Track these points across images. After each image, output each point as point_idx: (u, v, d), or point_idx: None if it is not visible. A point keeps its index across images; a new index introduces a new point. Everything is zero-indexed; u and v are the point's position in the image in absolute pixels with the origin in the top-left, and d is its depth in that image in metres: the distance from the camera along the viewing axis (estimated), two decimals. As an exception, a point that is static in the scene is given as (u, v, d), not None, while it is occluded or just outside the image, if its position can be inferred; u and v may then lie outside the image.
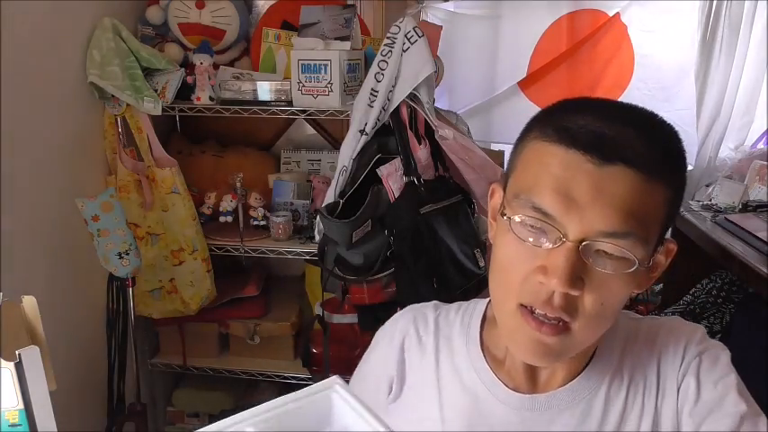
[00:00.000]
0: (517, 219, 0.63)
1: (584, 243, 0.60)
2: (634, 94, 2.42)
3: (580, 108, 0.65)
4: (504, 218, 0.65)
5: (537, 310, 0.64)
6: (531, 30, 2.48)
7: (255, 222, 2.10)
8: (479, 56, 2.52)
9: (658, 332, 0.75)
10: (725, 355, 0.72)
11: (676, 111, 2.43)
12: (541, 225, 0.62)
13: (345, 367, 1.11)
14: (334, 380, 0.46)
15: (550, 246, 0.61)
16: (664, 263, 0.70)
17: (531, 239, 0.63)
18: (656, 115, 0.69)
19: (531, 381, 0.74)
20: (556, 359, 0.68)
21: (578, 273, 0.60)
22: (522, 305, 0.64)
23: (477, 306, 0.83)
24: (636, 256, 0.61)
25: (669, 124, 0.68)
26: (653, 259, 0.65)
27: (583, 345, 0.68)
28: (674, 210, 0.66)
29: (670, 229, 0.69)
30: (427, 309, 0.85)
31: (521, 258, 0.64)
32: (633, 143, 0.61)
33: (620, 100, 0.72)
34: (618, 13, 2.41)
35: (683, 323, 0.76)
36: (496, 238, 0.68)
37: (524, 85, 2.51)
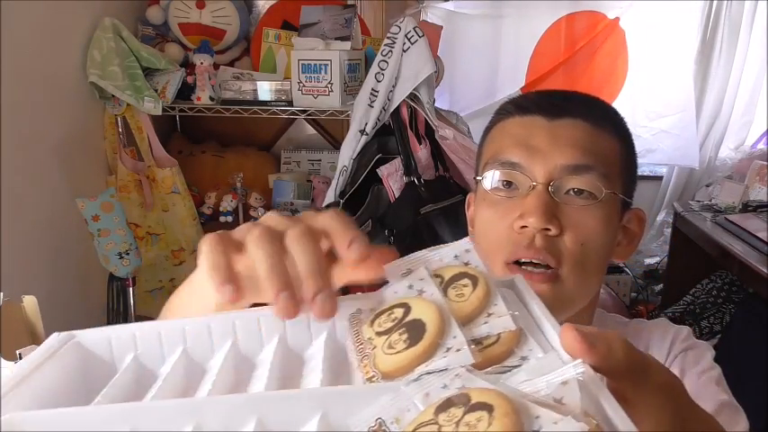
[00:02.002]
0: (489, 176, 0.69)
1: (552, 183, 0.65)
2: (631, 98, 2.41)
3: (530, 93, 0.76)
4: (477, 180, 0.71)
5: (523, 260, 0.66)
6: (532, 30, 2.48)
7: (255, 222, 2.10)
8: (480, 56, 2.52)
9: (644, 332, 0.77)
10: (710, 353, 0.74)
11: (674, 114, 2.43)
12: (512, 176, 0.68)
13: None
14: None
15: (524, 194, 0.66)
16: (638, 232, 0.74)
17: (504, 194, 0.68)
18: (595, 96, 0.77)
19: None
20: (552, 313, 0.67)
21: (552, 211, 0.65)
22: (507, 263, 0.66)
23: None
24: (602, 188, 0.66)
25: (605, 101, 0.77)
26: (623, 220, 0.70)
27: (574, 297, 0.68)
28: (629, 166, 0.71)
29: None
30: None
31: (499, 214, 0.67)
32: (577, 102, 0.71)
33: (612, 105, 0.78)
34: (617, 18, 2.41)
35: (669, 324, 0.78)
36: (476, 212, 0.73)
37: (525, 90, 2.52)
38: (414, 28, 1.69)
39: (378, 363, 0.30)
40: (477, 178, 0.72)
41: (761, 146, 2.50)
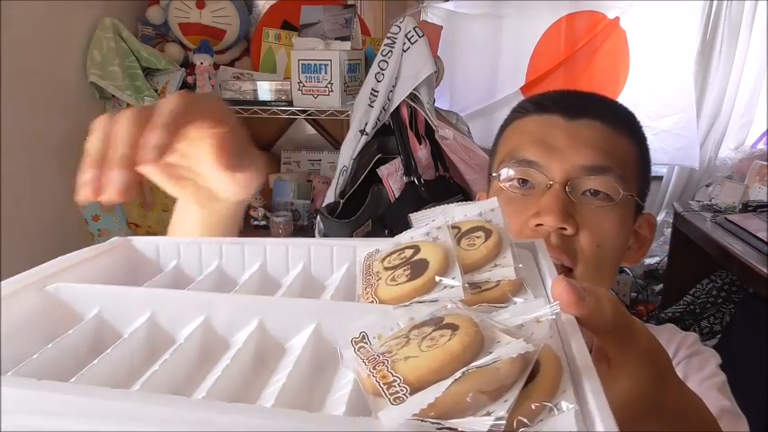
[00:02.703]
0: (505, 173, 0.69)
1: (569, 182, 0.65)
2: (632, 98, 2.41)
3: (548, 92, 0.76)
4: (494, 177, 0.71)
5: None
6: (532, 30, 2.48)
7: (256, 222, 2.10)
8: (480, 56, 2.52)
9: None
10: (715, 360, 0.73)
11: (674, 114, 2.43)
12: (528, 174, 0.67)
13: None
14: None
15: (540, 193, 0.66)
16: (649, 238, 0.74)
17: (520, 192, 0.68)
18: (612, 98, 0.77)
19: None
20: None
21: (569, 211, 0.64)
22: None
23: None
24: (619, 190, 0.66)
25: (623, 105, 0.76)
26: (635, 225, 0.70)
27: None
28: (644, 171, 0.71)
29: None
30: None
31: (514, 213, 0.67)
32: (596, 103, 0.71)
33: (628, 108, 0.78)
34: (617, 17, 2.41)
35: (677, 330, 0.77)
36: None
37: (525, 89, 2.52)
38: (414, 28, 1.69)
39: (379, 292, 0.32)
40: (494, 174, 0.71)
41: (761, 146, 2.50)
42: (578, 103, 0.70)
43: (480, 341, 0.25)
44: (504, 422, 0.22)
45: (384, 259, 0.35)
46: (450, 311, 0.27)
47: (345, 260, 0.40)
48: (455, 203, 0.39)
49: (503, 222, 0.36)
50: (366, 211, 1.67)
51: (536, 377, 0.24)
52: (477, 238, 0.34)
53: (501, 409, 0.22)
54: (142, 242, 0.42)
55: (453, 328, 0.25)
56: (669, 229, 2.47)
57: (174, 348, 0.30)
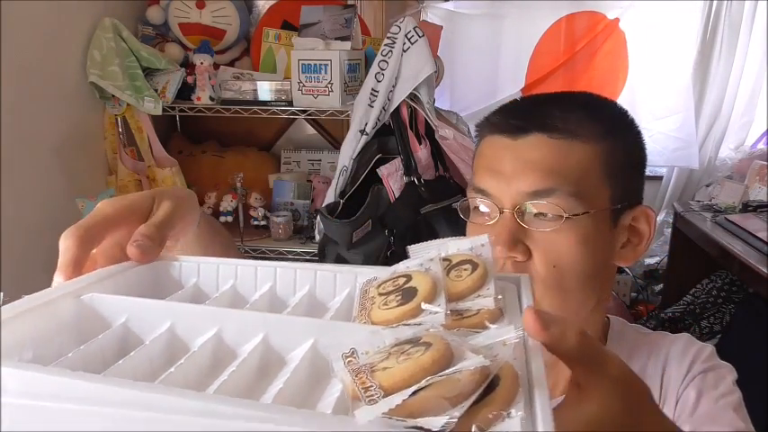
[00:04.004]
0: (467, 202, 0.70)
1: (516, 208, 0.66)
2: (631, 99, 2.41)
3: (507, 104, 0.74)
4: (456, 207, 0.73)
5: None
6: (532, 30, 2.48)
7: (256, 222, 2.10)
8: (480, 56, 2.52)
9: (665, 346, 0.74)
10: (731, 376, 0.71)
11: (673, 115, 2.43)
12: (484, 203, 0.69)
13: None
14: None
15: (494, 221, 0.67)
16: (648, 231, 0.71)
17: (481, 221, 0.69)
18: (582, 91, 0.74)
19: None
20: None
21: (519, 237, 0.65)
22: None
23: None
24: (567, 210, 0.64)
25: (591, 93, 0.73)
26: (621, 221, 0.68)
27: None
28: (624, 166, 0.68)
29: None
30: None
31: None
32: (546, 114, 0.67)
33: (605, 99, 0.75)
34: (617, 18, 2.41)
35: (692, 340, 0.75)
36: (467, 230, 0.74)
37: (525, 91, 2.52)
38: (414, 28, 1.69)
39: (372, 315, 0.36)
40: (455, 206, 0.73)
41: (761, 146, 2.50)
42: (522, 120, 0.68)
43: (449, 357, 0.28)
44: (455, 420, 0.25)
45: (380, 285, 0.38)
46: (429, 333, 0.31)
47: (347, 285, 0.44)
48: (451, 238, 0.42)
49: (491, 257, 0.39)
50: (366, 211, 1.67)
51: (495, 390, 0.28)
52: (465, 270, 0.38)
53: (458, 412, 0.25)
54: (166, 260, 0.47)
55: (427, 345, 0.29)
56: (669, 229, 2.47)
57: (188, 355, 0.34)
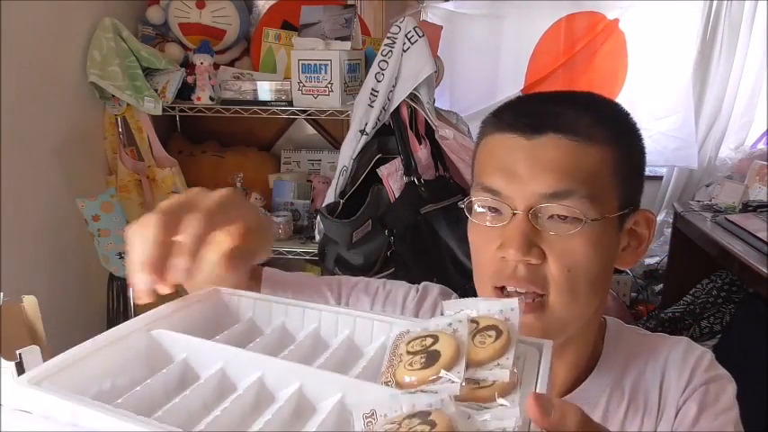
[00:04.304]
0: (474, 203, 0.68)
1: (531, 210, 0.63)
2: (630, 99, 2.41)
3: (512, 101, 0.72)
4: (463, 205, 0.69)
5: (508, 289, 0.65)
6: (532, 30, 2.48)
7: (256, 222, 2.09)
8: (480, 56, 2.52)
9: (664, 351, 0.74)
10: (731, 388, 0.71)
11: (673, 115, 2.43)
12: (494, 203, 0.66)
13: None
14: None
15: (506, 221, 0.65)
16: (647, 235, 0.71)
17: (489, 221, 0.66)
18: (590, 92, 0.73)
19: None
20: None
21: (533, 240, 0.63)
22: (495, 288, 0.66)
23: None
24: (584, 213, 0.63)
25: (601, 95, 0.72)
26: (624, 226, 0.68)
27: (564, 323, 0.67)
28: (628, 170, 0.67)
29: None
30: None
31: (485, 241, 0.66)
32: (559, 114, 0.66)
33: (612, 101, 0.74)
34: (617, 18, 2.41)
35: (693, 346, 0.74)
36: (468, 230, 0.72)
37: (525, 90, 2.52)
38: (414, 28, 1.69)
39: (396, 373, 0.39)
40: (461, 205, 0.70)
41: (761, 146, 2.50)
42: (536, 119, 0.65)
43: None
44: None
45: (409, 343, 0.41)
46: (444, 404, 0.34)
47: (382, 334, 0.48)
48: (483, 298, 0.45)
49: (517, 322, 0.41)
50: (366, 211, 1.67)
51: None
52: (489, 336, 0.40)
53: None
54: (227, 294, 0.53)
55: (433, 424, 0.33)
56: (669, 229, 2.47)
57: (234, 396, 0.39)
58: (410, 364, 0.39)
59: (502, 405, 0.36)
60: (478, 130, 0.73)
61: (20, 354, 0.64)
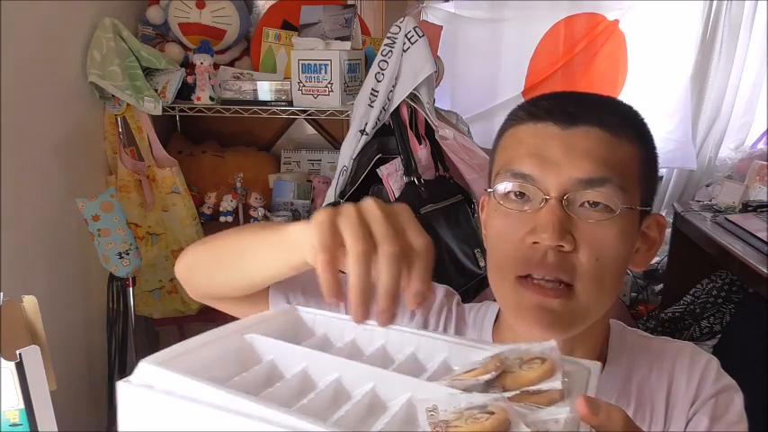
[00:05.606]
0: (501, 188, 0.67)
1: (566, 196, 0.63)
2: (629, 100, 2.41)
3: (545, 95, 0.73)
4: (489, 192, 0.69)
5: (535, 276, 0.64)
6: (532, 32, 2.48)
7: (256, 222, 2.10)
8: (480, 58, 2.52)
9: (669, 357, 0.73)
10: (739, 399, 0.71)
11: (671, 116, 2.43)
12: (524, 188, 0.65)
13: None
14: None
15: (536, 207, 0.64)
16: (658, 239, 0.71)
17: (516, 207, 0.66)
18: (614, 97, 0.74)
19: None
20: (565, 328, 0.66)
21: (566, 227, 0.63)
22: (519, 277, 0.65)
23: (490, 308, 0.81)
24: (617, 203, 0.63)
25: (626, 103, 0.73)
26: (642, 226, 0.68)
27: (588, 311, 0.66)
28: (649, 173, 0.69)
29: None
30: (452, 302, 0.83)
31: (511, 228, 0.65)
32: (594, 107, 0.68)
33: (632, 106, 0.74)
34: (617, 20, 2.41)
35: (699, 352, 0.74)
36: (487, 221, 0.72)
37: (525, 92, 2.52)
38: (414, 28, 1.69)
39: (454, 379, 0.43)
40: (489, 190, 0.69)
41: (761, 146, 2.50)
42: (574, 110, 0.66)
43: (507, 424, 0.36)
44: None
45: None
46: (496, 404, 0.38)
47: (443, 351, 0.52)
48: (517, 345, 0.46)
49: (560, 357, 0.44)
50: (366, 211, 1.67)
51: None
52: (535, 363, 0.44)
53: None
54: (304, 312, 0.58)
55: (491, 413, 0.37)
56: (669, 229, 2.47)
57: (314, 393, 0.43)
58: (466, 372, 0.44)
59: (553, 407, 0.40)
60: (504, 124, 0.73)
61: (20, 354, 0.64)
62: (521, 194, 0.65)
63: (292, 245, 0.56)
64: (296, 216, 2.10)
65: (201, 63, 1.94)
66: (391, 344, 0.53)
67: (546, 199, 0.63)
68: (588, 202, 0.63)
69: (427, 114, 1.75)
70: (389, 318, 0.47)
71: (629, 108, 0.72)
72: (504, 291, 0.67)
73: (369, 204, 0.50)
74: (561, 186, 0.63)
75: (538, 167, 0.64)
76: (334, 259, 0.47)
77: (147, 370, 0.41)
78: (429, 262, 0.48)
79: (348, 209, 0.49)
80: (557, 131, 0.65)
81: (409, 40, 1.69)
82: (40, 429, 0.66)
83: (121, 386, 0.40)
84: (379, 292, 0.46)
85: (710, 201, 2.29)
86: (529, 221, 0.64)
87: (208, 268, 0.71)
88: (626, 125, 0.67)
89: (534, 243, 0.63)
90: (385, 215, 0.49)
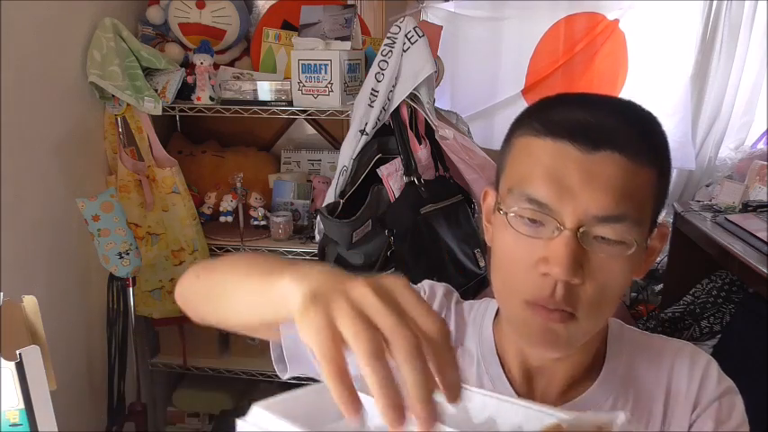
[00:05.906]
0: (513, 212, 0.64)
1: (581, 230, 0.61)
2: (631, 99, 2.41)
3: (563, 101, 0.68)
4: (501, 213, 0.66)
5: (540, 304, 0.64)
6: (532, 32, 2.48)
7: (256, 222, 2.10)
8: (480, 58, 2.52)
9: (668, 356, 0.73)
10: (739, 401, 0.71)
11: (671, 116, 2.43)
12: (538, 216, 0.62)
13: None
14: None
15: (549, 235, 0.62)
16: (659, 248, 0.70)
17: (528, 232, 0.63)
18: (633, 102, 0.70)
19: (530, 392, 0.73)
20: (565, 347, 0.67)
21: (579, 260, 0.61)
22: (525, 302, 0.64)
23: (490, 305, 0.80)
24: (632, 240, 0.62)
25: (646, 109, 0.69)
26: (648, 242, 0.67)
27: (589, 332, 0.67)
28: (662, 192, 0.67)
29: (663, 213, 0.69)
30: (451, 300, 0.83)
31: (520, 252, 0.64)
32: (616, 129, 0.63)
33: (652, 115, 0.72)
34: (617, 19, 2.41)
35: (698, 352, 0.74)
36: (495, 234, 0.69)
37: (525, 91, 2.52)
38: (414, 28, 1.69)
39: None
40: (501, 210, 0.65)
41: (761, 146, 2.50)
42: (596, 132, 0.61)
43: None
44: None
45: None
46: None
47: (518, 417, 0.49)
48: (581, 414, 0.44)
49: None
50: (366, 211, 1.67)
51: None
52: None
53: None
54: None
55: None
56: (669, 229, 2.47)
57: None
58: None
59: None
60: (516, 125, 0.69)
61: (20, 354, 0.64)
62: (533, 220, 0.63)
63: (279, 300, 0.49)
64: (296, 216, 2.10)
65: (201, 63, 1.94)
66: (472, 407, 0.50)
67: (560, 229, 0.61)
68: (603, 237, 0.61)
69: (427, 114, 1.75)
70: (431, 422, 0.40)
71: (648, 119, 0.68)
72: (510, 310, 0.68)
73: (361, 292, 0.43)
74: (578, 218, 0.61)
75: (555, 196, 0.61)
76: (344, 370, 0.41)
77: (257, 413, 0.45)
78: (450, 343, 0.43)
79: (340, 304, 0.43)
80: (576, 155, 0.61)
81: (409, 40, 1.69)
82: (40, 429, 0.66)
83: (240, 424, 0.45)
84: (412, 398, 0.40)
85: (710, 201, 2.29)
86: (541, 249, 0.62)
87: (196, 303, 0.69)
88: (646, 144, 0.64)
89: (545, 274, 0.62)
90: (384, 302, 0.42)
